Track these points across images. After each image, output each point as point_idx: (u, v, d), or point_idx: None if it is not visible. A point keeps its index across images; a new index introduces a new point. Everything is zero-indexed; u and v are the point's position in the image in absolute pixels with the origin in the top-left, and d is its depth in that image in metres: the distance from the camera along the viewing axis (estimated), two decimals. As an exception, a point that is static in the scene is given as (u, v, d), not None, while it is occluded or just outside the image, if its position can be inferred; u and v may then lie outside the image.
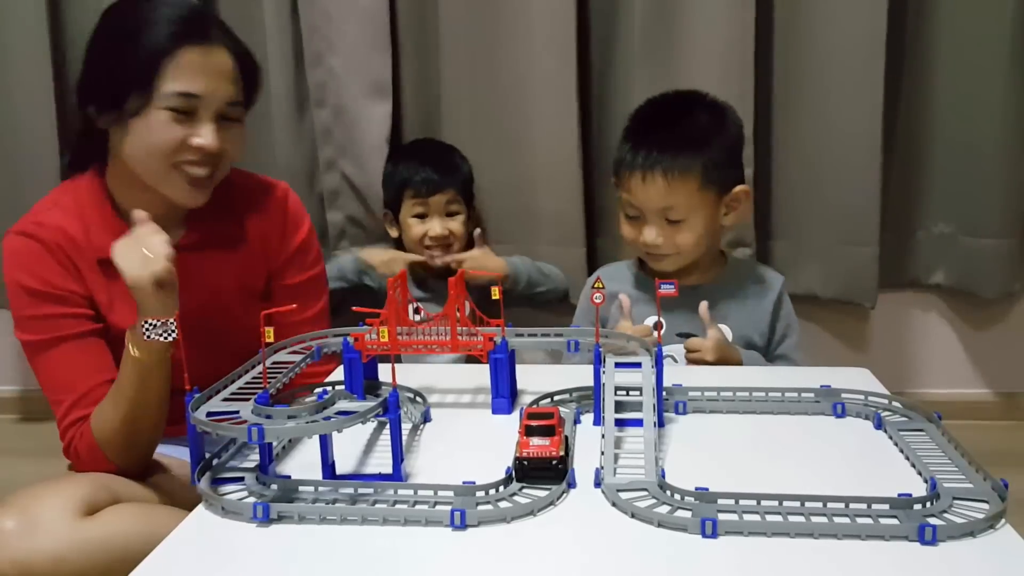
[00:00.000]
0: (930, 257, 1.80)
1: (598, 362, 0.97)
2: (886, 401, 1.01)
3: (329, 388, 1.03)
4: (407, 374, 1.11)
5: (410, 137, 1.83)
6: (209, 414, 0.81)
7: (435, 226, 1.70)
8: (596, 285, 0.97)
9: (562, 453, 0.82)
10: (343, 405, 0.83)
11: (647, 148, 1.36)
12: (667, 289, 0.95)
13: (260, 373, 0.92)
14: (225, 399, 0.85)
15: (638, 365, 0.96)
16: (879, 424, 0.97)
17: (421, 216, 1.72)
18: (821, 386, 1.03)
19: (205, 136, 1.15)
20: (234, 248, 1.28)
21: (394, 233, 1.78)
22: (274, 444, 0.85)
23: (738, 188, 1.40)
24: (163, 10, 1.15)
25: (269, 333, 0.82)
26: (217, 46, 1.16)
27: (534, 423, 0.84)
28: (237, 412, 0.80)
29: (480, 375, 1.08)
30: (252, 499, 0.79)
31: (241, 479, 0.83)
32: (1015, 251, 1.75)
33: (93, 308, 1.20)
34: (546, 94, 1.72)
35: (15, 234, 1.19)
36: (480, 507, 0.77)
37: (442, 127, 1.80)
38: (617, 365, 0.96)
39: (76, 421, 1.15)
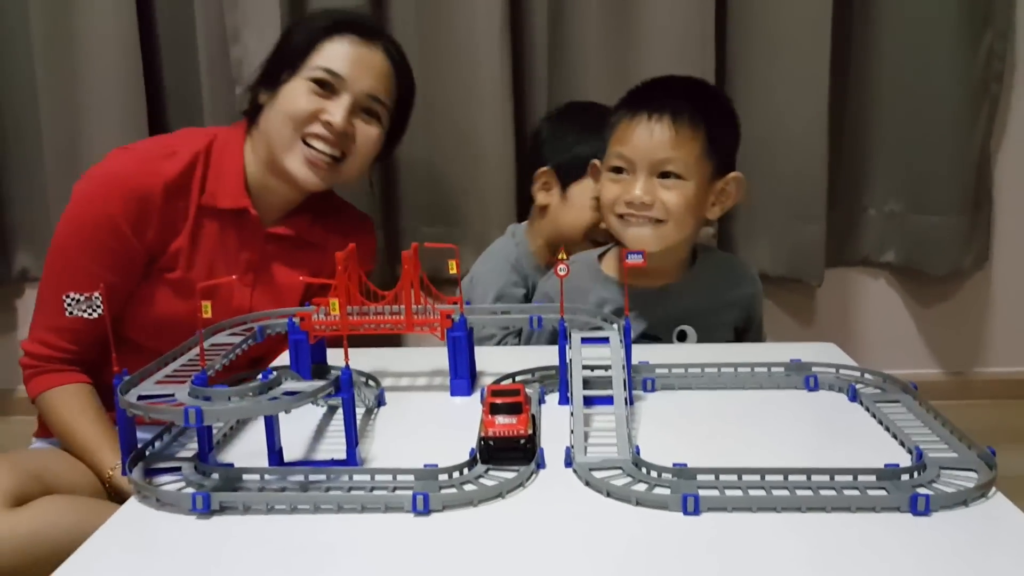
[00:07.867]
0: (881, 235, 1.79)
1: (563, 338, 0.92)
2: (858, 373, 0.98)
3: (273, 370, 0.95)
4: (358, 357, 1.04)
5: None
6: (141, 397, 0.73)
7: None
8: (561, 256, 0.91)
9: (530, 432, 0.77)
10: (290, 386, 0.76)
11: (655, 98, 1.21)
12: (635, 259, 0.90)
13: (196, 356, 0.85)
14: (158, 382, 0.77)
15: (605, 340, 0.91)
16: (853, 396, 0.93)
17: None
18: (791, 360, 1.00)
19: (335, 113, 1.20)
20: (309, 255, 1.31)
21: (545, 200, 1.46)
22: (214, 430, 0.77)
23: (731, 175, 1.25)
24: (329, 9, 1.32)
25: (207, 308, 0.75)
26: (374, 46, 1.25)
27: (499, 400, 0.78)
28: (172, 395, 0.73)
29: (436, 357, 1.02)
30: (191, 489, 0.72)
31: (178, 469, 0.76)
32: (963, 228, 1.74)
33: (152, 259, 1.21)
34: (483, 79, 1.65)
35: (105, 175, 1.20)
36: (444, 491, 0.71)
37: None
38: (584, 341, 0.91)
39: (41, 357, 1.20)
